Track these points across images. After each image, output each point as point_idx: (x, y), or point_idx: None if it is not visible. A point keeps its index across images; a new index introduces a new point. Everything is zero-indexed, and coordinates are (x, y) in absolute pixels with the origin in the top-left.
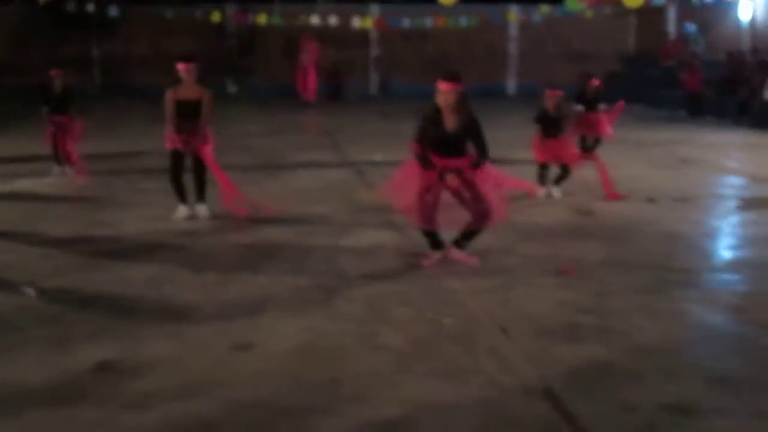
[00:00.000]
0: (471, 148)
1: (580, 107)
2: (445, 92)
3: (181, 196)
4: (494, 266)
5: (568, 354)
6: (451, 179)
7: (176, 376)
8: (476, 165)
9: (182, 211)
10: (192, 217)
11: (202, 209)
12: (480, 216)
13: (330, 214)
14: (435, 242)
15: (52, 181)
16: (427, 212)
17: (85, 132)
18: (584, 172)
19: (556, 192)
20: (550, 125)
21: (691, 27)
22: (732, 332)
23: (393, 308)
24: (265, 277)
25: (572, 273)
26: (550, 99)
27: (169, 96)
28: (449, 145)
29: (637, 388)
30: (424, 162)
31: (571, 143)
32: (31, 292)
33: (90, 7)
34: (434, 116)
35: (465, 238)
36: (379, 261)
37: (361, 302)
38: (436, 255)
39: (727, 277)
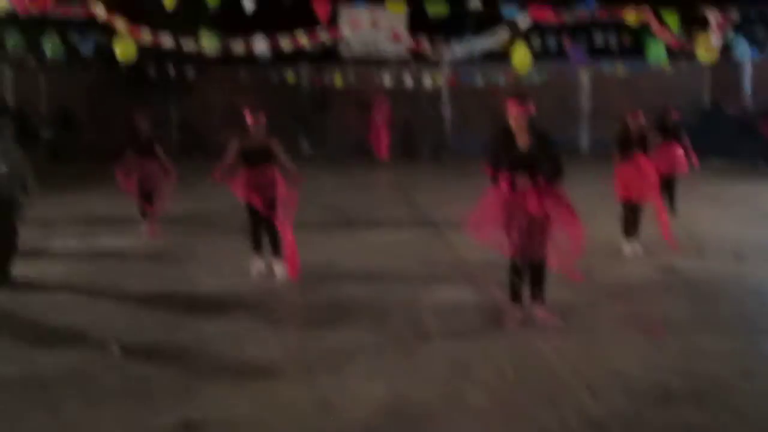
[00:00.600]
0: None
1: (658, 138)
2: (515, 115)
3: (257, 249)
4: (578, 324)
5: (661, 418)
6: (531, 200)
7: None
8: (552, 180)
9: (257, 264)
10: (268, 273)
11: (279, 267)
12: (553, 248)
13: (408, 270)
14: (516, 295)
15: (131, 239)
16: (515, 239)
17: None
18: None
19: (638, 249)
20: (633, 147)
21: None
22: None
23: (476, 367)
24: (345, 335)
25: (660, 333)
26: (633, 120)
27: (234, 145)
28: (525, 166)
29: None
30: (496, 179)
31: (655, 175)
32: (116, 350)
33: (169, 69)
34: (506, 138)
35: (536, 283)
36: (459, 318)
37: (443, 361)
38: (518, 313)
39: None
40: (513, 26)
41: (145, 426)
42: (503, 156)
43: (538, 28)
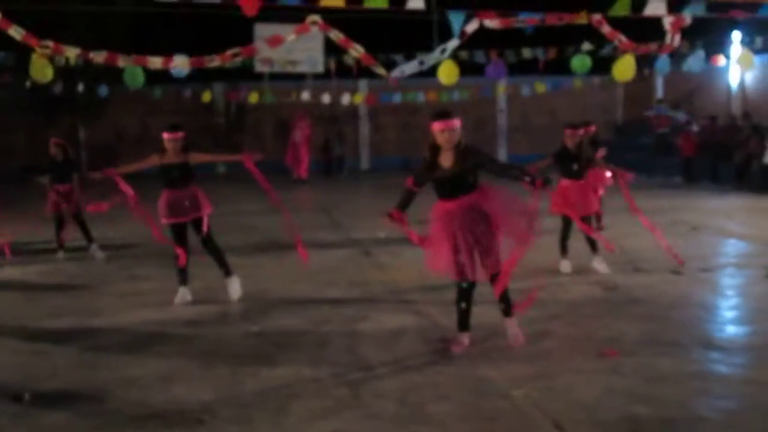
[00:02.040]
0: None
1: (593, 152)
2: (447, 129)
3: (182, 278)
4: (529, 350)
5: None
6: (462, 215)
7: None
8: (531, 182)
9: (183, 294)
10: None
11: (234, 287)
12: (490, 265)
13: (342, 296)
14: (465, 322)
15: (42, 268)
16: (458, 261)
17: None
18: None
19: (600, 266)
20: (571, 162)
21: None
22: None
23: (429, 403)
24: (282, 370)
25: (615, 355)
26: (570, 137)
27: (153, 157)
28: (450, 184)
29: None
30: (404, 200)
31: (591, 192)
32: (26, 396)
33: (79, 88)
34: (435, 155)
35: (502, 299)
36: (404, 348)
37: (392, 398)
38: (465, 339)
39: None
40: (460, 35)
41: None
42: (427, 174)
43: (467, 43)
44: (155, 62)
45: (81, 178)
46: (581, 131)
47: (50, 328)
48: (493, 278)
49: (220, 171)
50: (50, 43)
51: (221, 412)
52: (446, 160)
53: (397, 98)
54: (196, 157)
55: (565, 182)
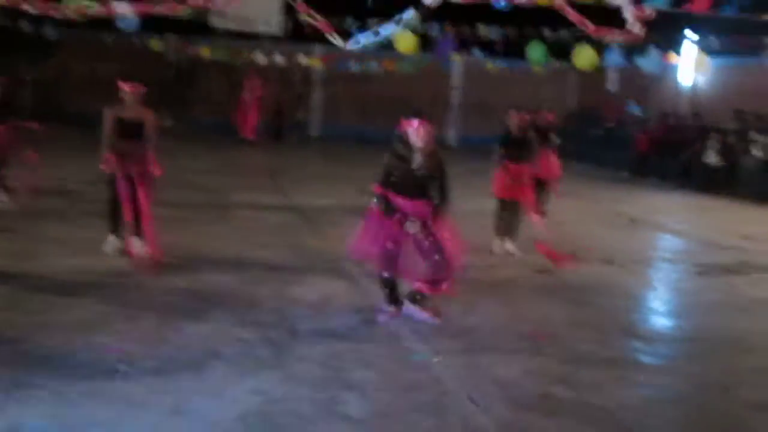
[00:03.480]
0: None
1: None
2: (422, 133)
3: (114, 225)
4: (456, 326)
5: (547, 430)
6: (413, 225)
7: None
8: (439, 209)
9: (113, 243)
10: (124, 254)
11: (138, 243)
12: (437, 267)
13: (276, 259)
14: (392, 296)
15: None
16: (391, 258)
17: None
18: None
19: (512, 248)
20: (514, 147)
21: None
22: (715, 410)
23: (353, 371)
24: (207, 327)
25: (542, 339)
26: (515, 119)
27: (109, 114)
28: (413, 185)
29: None
30: (386, 207)
31: (530, 181)
32: None
33: (25, 26)
34: (405, 154)
35: (421, 295)
36: (332, 315)
37: (316, 362)
38: (392, 310)
39: (693, 347)
40: (422, 8)
41: None
42: (395, 172)
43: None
44: (92, 7)
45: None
46: (526, 116)
47: None
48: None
49: (167, 124)
50: None
51: (141, 364)
52: (417, 161)
53: (354, 67)
54: (149, 122)
55: (504, 166)
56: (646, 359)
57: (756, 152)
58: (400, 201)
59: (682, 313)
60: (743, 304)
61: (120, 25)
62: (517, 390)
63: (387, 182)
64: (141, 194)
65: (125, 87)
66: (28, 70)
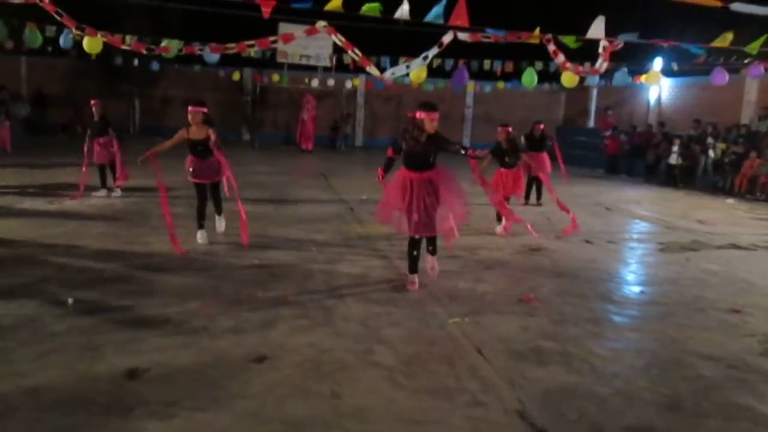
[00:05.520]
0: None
1: (525, 144)
2: (434, 119)
3: (200, 223)
4: (466, 293)
5: (538, 375)
6: (420, 185)
7: (197, 385)
8: (469, 154)
9: (201, 235)
10: (204, 241)
11: (221, 223)
12: (446, 219)
13: (327, 242)
14: (413, 265)
15: (95, 202)
16: (410, 219)
17: (124, 155)
18: (534, 215)
19: (499, 231)
20: (503, 155)
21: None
22: (671, 359)
23: (384, 328)
24: (273, 294)
25: (533, 301)
26: (502, 133)
27: (181, 134)
28: (418, 159)
29: (602, 410)
30: (387, 163)
31: (521, 180)
32: (70, 301)
33: (135, 62)
34: (415, 133)
35: (431, 243)
36: (369, 284)
37: (356, 322)
38: (416, 279)
39: (656, 309)
40: (438, 45)
41: (90, 373)
42: (404, 148)
43: (444, 52)
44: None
45: (118, 134)
46: (511, 128)
47: (95, 249)
48: (430, 238)
49: (245, 139)
50: (84, 27)
51: (223, 323)
52: (421, 138)
53: (391, 80)
54: (212, 136)
55: (500, 171)
56: (617, 319)
57: (711, 153)
58: (407, 172)
59: (648, 282)
60: (697, 274)
61: (206, 60)
62: (514, 344)
63: (398, 151)
64: (228, 191)
65: (191, 109)
66: (137, 95)
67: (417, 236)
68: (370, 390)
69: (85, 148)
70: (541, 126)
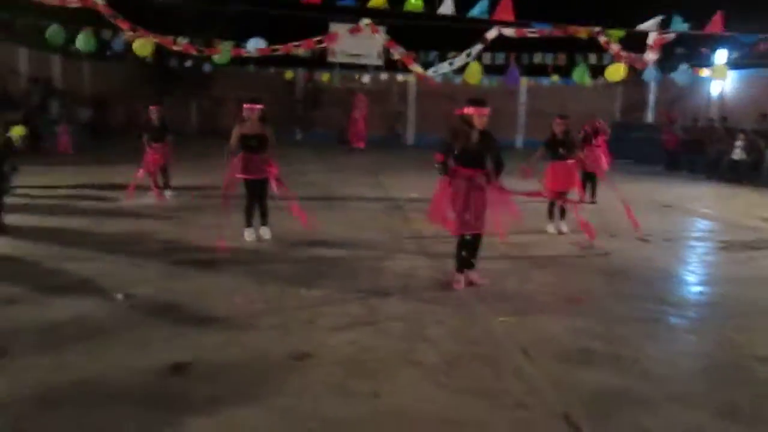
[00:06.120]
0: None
1: (579, 139)
2: (484, 115)
3: (249, 221)
4: (513, 292)
5: (585, 378)
6: (477, 185)
7: (240, 382)
8: (496, 171)
9: (249, 233)
10: (258, 239)
11: (266, 231)
12: (496, 219)
13: (374, 240)
14: (463, 264)
15: (149, 202)
16: (463, 217)
17: (176, 159)
18: (586, 214)
19: (564, 228)
20: (558, 147)
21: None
22: (729, 363)
23: (428, 327)
24: (318, 292)
25: (582, 302)
26: (558, 125)
27: (235, 132)
28: (474, 157)
29: (653, 416)
30: (443, 169)
31: (577, 174)
32: (120, 297)
33: (188, 63)
34: (466, 131)
35: (473, 254)
36: (415, 282)
37: (400, 320)
38: (463, 278)
39: (715, 310)
40: (483, 41)
41: (138, 367)
42: (457, 147)
43: (491, 46)
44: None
45: (173, 140)
46: (568, 121)
47: (147, 247)
48: (476, 235)
49: (297, 138)
50: (137, 28)
51: (267, 320)
52: (475, 137)
53: (440, 78)
54: (269, 134)
55: (554, 164)
56: (673, 320)
57: None
58: (463, 170)
59: (707, 282)
60: (761, 274)
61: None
62: (560, 345)
63: (447, 153)
64: (278, 191)
65: (246, 107)
66: (194, 97)
67: (468, 235)
68: (411, 389)
69: (145, 155)
70: (599, 122)
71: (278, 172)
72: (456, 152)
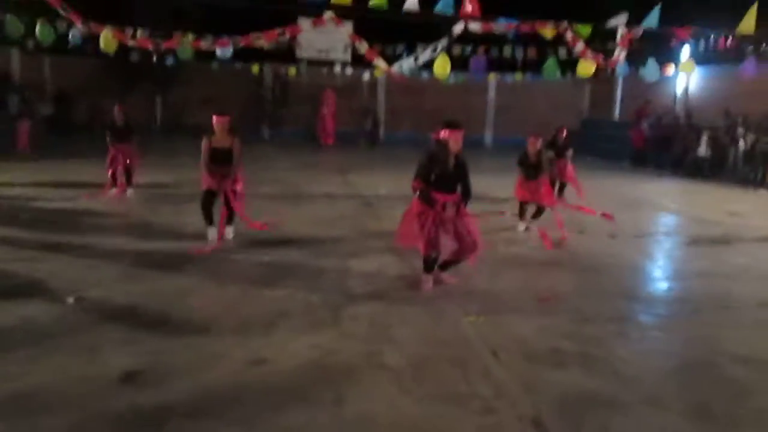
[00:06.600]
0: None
1: (550, 153)
2: (458, 140)
3: (209, 220)
4: (482, 291)
5: (555, 379)
6: (449, 211)
7: (194, 390)
8: (464, 201)
9: (212, 231)
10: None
11: (229, 230)
12: (468, 246)
13: (341, 238)
14: (430, 267)
15: (109, 200)
16: (434, 241)
17: (141, 160)
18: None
19: (533, 226)
20: (530, 168)
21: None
22: (699, 361)
23: (395, 328)
24: (281, 293)
25: (552, 300)
26: (532, 145)
27: (205, 144)
28: (449, 182)
29: (623, 418)
30: (427, 197)
31: (546, 186)
32: (70, 300)
33: (153, 59)
34: (443, 156)
35: (450, 264)
36: (382, 282)
37: (366, 321)
38: (431, 278)
39: (684, 306)
40: (449, 36)
41: (85, 375)
42: (434, 170)
43: (459, 41)
44: (187, 43)
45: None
46: (540, 141)
47: (104, 247)
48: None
49: (265, 136)
50: (90, 22)
51: (226, 324)
52: (450, 161)
53: (408, 73)
54: (236, 149)
55: (521, 179)
56: (643, 318)
57: (741, 144)
58: (438, 195)
59: (675, 277)
60: (727, 269)
61: (218, 54)
62: (530, 345)
63: (427, 179)
64: (234, 204)
65: (215, 119)
66: (158, 93)
67: (434, 254)
68: (376, 395)
69: (109, 156)
70: (564, 132)
71: (242, 188)
72: (433, 177)
